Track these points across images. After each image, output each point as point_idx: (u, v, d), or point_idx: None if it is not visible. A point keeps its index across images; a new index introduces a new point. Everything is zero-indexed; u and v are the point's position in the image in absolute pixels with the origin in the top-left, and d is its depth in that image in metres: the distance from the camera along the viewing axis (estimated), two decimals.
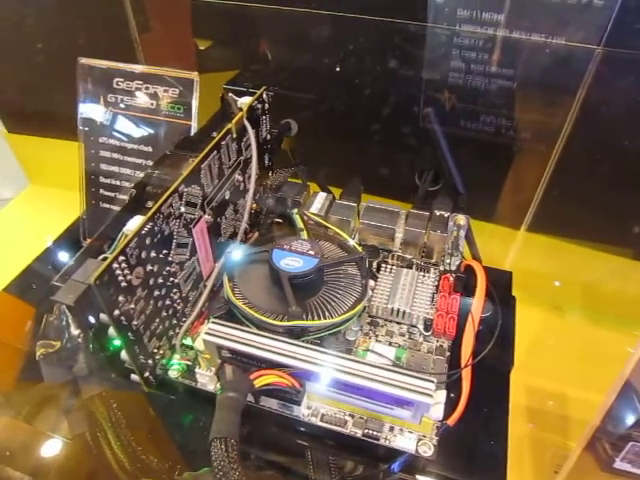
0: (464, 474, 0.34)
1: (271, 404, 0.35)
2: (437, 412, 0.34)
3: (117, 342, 0.32)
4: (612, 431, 0.36)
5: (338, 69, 0.51)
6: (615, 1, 0.37)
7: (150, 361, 0.34)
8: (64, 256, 0.52)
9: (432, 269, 0.44)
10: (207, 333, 0.33)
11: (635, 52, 0.39)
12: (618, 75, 0.42)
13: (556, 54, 0.41)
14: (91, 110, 0.47)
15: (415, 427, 0.34)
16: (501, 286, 0.44)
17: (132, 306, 0.30)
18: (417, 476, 0.34)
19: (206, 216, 0.37)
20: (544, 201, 0.51)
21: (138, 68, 0.45)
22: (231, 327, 0.34)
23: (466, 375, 0.36)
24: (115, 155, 0.47)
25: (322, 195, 0.48)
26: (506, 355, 0.40)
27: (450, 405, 0.35)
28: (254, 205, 0.45)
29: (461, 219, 0.44)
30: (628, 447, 0.36)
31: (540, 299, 0.52)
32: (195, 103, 0.44)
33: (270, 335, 0.34)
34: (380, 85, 0.49)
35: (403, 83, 0.48)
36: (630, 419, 0.35)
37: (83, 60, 0.46)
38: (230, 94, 0.42)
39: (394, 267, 0.44)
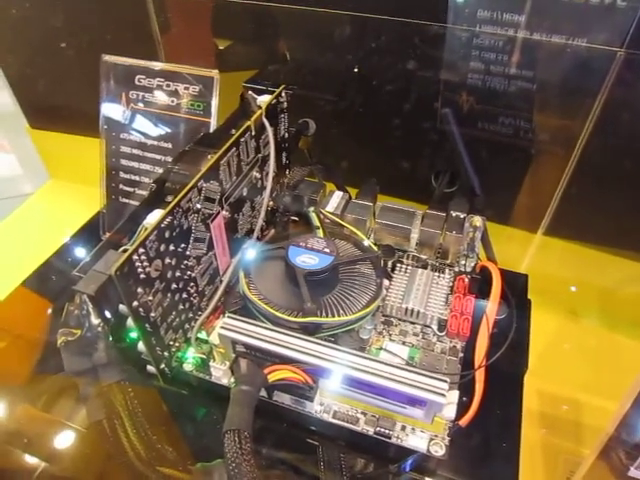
0: (475, 477, 0.34)
1: (284, 399, 0.35)
2: (449, 412, 0.33)
3: (134, 334, 0.32)
4: (627, 439, 0.35)
5: (356, 70, 0.51)
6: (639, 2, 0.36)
7: (166, 353, 0.35)
8: (84, 250, 0.53)
9: (447, 270, 0.44)
10: (222, 327, 0.34)
11: None
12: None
13: (577, 56, 0.40)
14: (113, 106, 0.48)
15: (427, 427, 0.34)
16: (517, 289, 0.43)
17: (150, 298, 0.31)
18: (428, 479, 0.34)
19: (224, 212, 0.38)
20: (562, 205, 0.50)
21: (159, 65, 0.46)
22: (246, 322, 0.34)
23: (479, 377, 0.36)
24: (135, 151, 0.48)
25: (338, 194, 0.48)
26: (520, 358, 0.39)
27: (463, 407, 0.35)
28: (271, 203, 0.46)
29: (477, 220, 0.43)
30: None
31: (556, 303, 0.52)
32: (215, 101, 0.45)
33: (284, 331, 0.34)
34: (398, 86, 0.49)
35: (421, 84, 0.48)
36: None
37: (106, 57, 0.47)
38: (249, 92, 0.42)
39: (409, 267, 0.44)
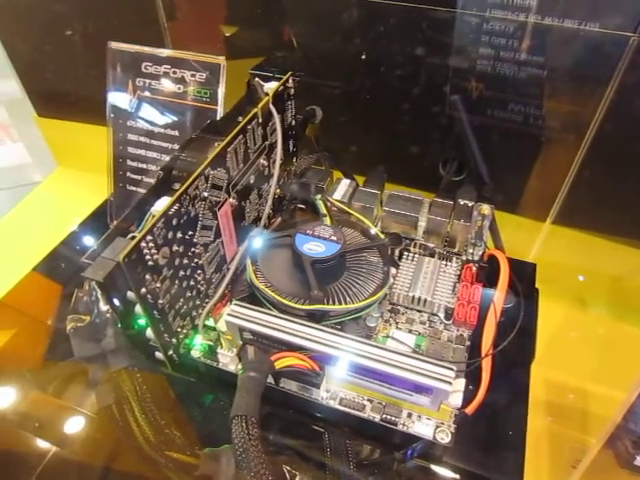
0: (480, 465, 0.34)
1: (291, 386, 0.35)
2: (456, 400, 0.34)
3: (142, 321, 0.32)
4: (633, 429, 0.35)
5: (364, 57, 0.51)
6: None
7: (174, 340, 0.35)
8: (92, 237, 0.53)
9: (454, 258, 0.44)
10: (229, 314, 0.34)
11: None
12: None
13: (589, 41, 0.40)
14: (119, 94, 0.48)
15: (433, 414, 0.34)
16: (524, 278, 0.43)
17: (158, 285, 0.31)
18: (433, 466, 0.34)
19: (231, 199, 0.38)
20: (571, 193, 0.50)
21: (166, 52, 0.46)
22: (253, 309, 0.34)
23: (486, 365, 0.36)
24: (142, 139, 0.48)
25: (345, 182, 0.48)
26: (527, 347, 0.39)
27: (470, 395, 0.35)
28: (278, 190, 0.46)
29: (485, 209, 0.43)
30: None
31: (564, 292, 0.52)
32: (222, 87, 0.45)
33: (291, 318, 0.34)
34: (406, 72, 0.49)
35: (430, 70, 0.47)
36: None
37: (113, 44, 0.47)
38: (256, 79, 0.42)
39: (416, 255, 0.44)
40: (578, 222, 0.51)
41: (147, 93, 0.47)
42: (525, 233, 0.55)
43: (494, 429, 0.36)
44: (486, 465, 0.34)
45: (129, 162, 0.49)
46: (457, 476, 0.34)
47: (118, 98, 0.48)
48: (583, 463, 0.38)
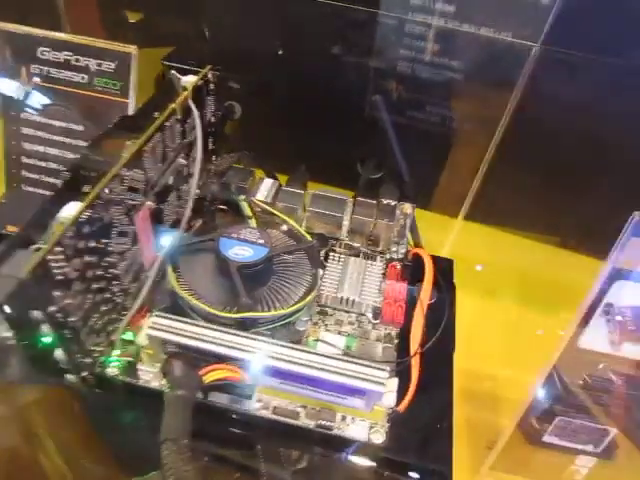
0: (413, 456, 0.35)
1: (221, 399, 0.34)
2: (389, 400, 0.34)
3: (48, 339, 0.29)
4: (537, 406, 0.38)
5: (281, 52, 0.50)
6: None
7: (88, 359, 0.31)
8: None
9: (379, 257, 0.44)
10: (151, 327, 0.31)
11: (571, 52, 0.41)
12: (553, 73, 0.44)
13: (500, 48, 0.42)
14: (10, 81, 0.42)
15: (367, 415, 0.34)
16: (444, 274, 0.45)
17: (69, 301, 0.28)
18: (369, 463, 0.34)
19: (149, 202, 0.35)
20: (481, 191, 0.53)
21: (67, 37, 0.41)
22: (177, 320, 0.32)
23: (415, 362, 0.37)
24: (40, 133, 0.43)
25: (268, 182, 0.46)
26: (449, 340, 0.41)
27: (400, 392, 0.35)
28: (197, 191, 0.43)
29: (407, 207, 0.44)
30: (555, 422, 0.39)
31: (476, 285, 0.55)
32: (133, 79, 0.41)
33: (219, 327, 0.32)
34: (327, 72, 0.49)
35: (351, 70, 0.48)
36: (554, 397, 0.38)
37: (0, 25, 0.41)
38: (172, 71, 0.39)
39: (342, 255, 0.43)
40: (487, 218, 0.55)
41: (44, 82, 0.42)
42: (439, 229, 0.57)
43: (424, 421, 0.36)
44: (418, 455, 0.35)
45: (24, 159, 0.43)
46: (391, 468, 0.34)
47: (8, 86, 0.42)
48: (498, 444, 0.40)
